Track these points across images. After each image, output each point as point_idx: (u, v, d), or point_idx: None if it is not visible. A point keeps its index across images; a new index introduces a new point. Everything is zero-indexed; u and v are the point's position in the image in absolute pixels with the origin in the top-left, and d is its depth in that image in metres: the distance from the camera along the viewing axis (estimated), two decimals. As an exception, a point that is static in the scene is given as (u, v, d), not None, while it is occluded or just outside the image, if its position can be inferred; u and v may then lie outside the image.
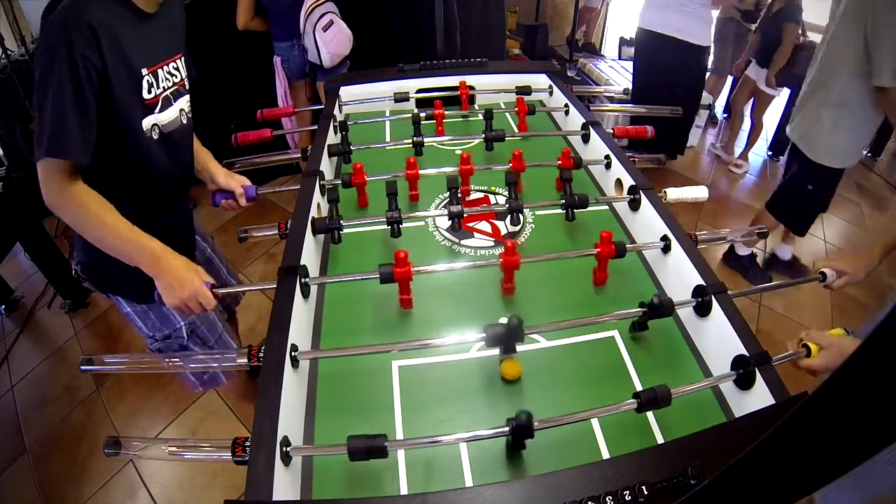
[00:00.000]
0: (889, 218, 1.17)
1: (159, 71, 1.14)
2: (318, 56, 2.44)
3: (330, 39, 2.39)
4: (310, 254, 1.11)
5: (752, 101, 3.87)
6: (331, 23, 2.37)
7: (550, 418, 0.76)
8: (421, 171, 1.36)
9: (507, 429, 0.74)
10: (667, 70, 3.15)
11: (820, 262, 1.15)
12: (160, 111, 1.15)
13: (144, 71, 1.09)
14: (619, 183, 1.38)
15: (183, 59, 1.24)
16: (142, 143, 1.12)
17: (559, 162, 1.36)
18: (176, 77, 1.20)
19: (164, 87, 1.15)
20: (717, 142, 4.17)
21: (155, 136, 1.14)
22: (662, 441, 0.83)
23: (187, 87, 1.25)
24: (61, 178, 0.99)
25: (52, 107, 0.95)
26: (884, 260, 1.16)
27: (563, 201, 1.24)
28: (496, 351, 0.98)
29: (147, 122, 1.11)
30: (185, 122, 1.25)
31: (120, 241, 1.05)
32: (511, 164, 1.34)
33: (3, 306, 2.62)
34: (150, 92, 1.11)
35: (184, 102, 1.24)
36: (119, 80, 1.03)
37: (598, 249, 1.07)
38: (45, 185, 1.00)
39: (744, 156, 3.90)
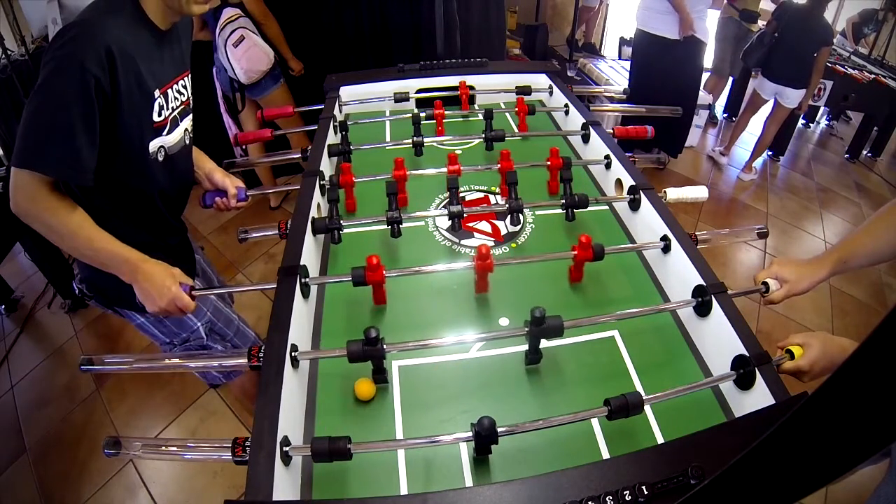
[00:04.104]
0: (855, 232, 1.03)
1: (169, 91, 1.12)
2: (233, 72, 2.45)
3: (241, 55, 2.37)
4: (310, 254, 1.11)
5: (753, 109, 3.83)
6: (241, 38, 2.35)
7: (514, 425, 0.76)
8: (415, 172, 1.36)
9: (469, 434, 0.74)
10: (665, 69, 3.16)
11: (762, 272, 1.03)
12: (168, 133, 1.13)
13: (157, 93, 1.07)
14: (619, 183, 1.38)
15: (189, 76, 1.22)
16: (146, 165, 1.10)
17: (549, 162, 1.36)
18: (183, 96, 1.19)
19: (172, 108, 1.14)
20: (716, 145, 4.11)
21: (160, 158, 1.13)
22: (662, 441, 0.83)
23: (192, 106, 1.24)
24: (38, 187, 0.95)
25: (53, 122, 0.92)
26: (833, 276, 1.01)
27: (563, 201, 1.24)
28: (495, 351, 0.98)
29: (154, 145, 1.10)
30: (187, 142, 1.24)
31: (94, 251, 1.03)
32: (500, 164, 1.34)
33: (3, 306, 2.61)
34: (160, 114, 1.09)
35: (188, 122, 1.23)
36: (130, 104, 1.01)
37: (576, 252, 1.07)
38: (17, 192, 0.96)
39: (749, 166, 3.85)
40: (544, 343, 0.98)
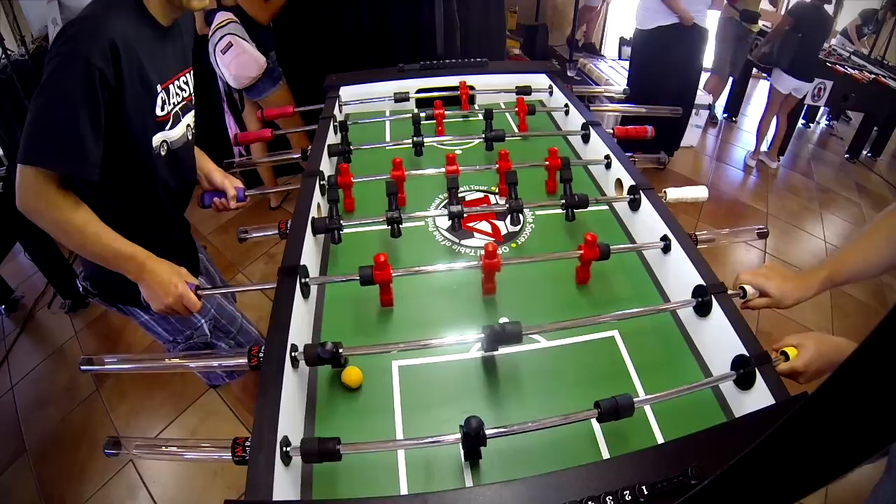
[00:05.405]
0: (845, 248, 1.00)
1: (171, 86, 1.13)
2: (224, 77, 2.47)
3: (230, 62, 2.38)
4: (310, 254, 1.11)
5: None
6: (229, 45, 2.36)
7: (503, 426, 0.75)
8: (414, 172, 1.36)
9: (459, 436, 0.74)
10: (666, 65, 3.17)
11: (747, 274, 1.00)
12: (170, 128, 1.14)
13: (159, 87, 1.08)
14: (619, 183, 1.38)
15: (191, 72, 1.23)
16: (149, 160, 1.10)
17: (547, 162, 1.36)
18: (185, 92, 1.19)
19: (174, 103, 1.14)
20: (755, 154, 4.03)
21: (163, 153, 1.13)
22: (662, 441, 0.83)
23: (193, 102, 1.25)
24: (44, 184, 0.95)
25: (58, 117, 0.92)
26: (821, 293, 0.97)
27: (563, 201, 1.24)
28: (495, 351, 0.98)
29: (157, 139, 1.10)
30: (190, 137, 1.24)
31: (101, 248, 1.02)
32: (498, 165, 1.34)
33: (3, 306, 2.61)
34: (162, 109, 1.10)
35: (190, 118, 1.23)
36: (134, 98, 1.01)
37: (582, 252, 1.07)
38: (23, 189, 0.95)
39: (775, 153, 3.99)
40: (546, 343, 0.99)
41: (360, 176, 1.33)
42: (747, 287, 0.98)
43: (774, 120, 3.90)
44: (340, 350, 0.84)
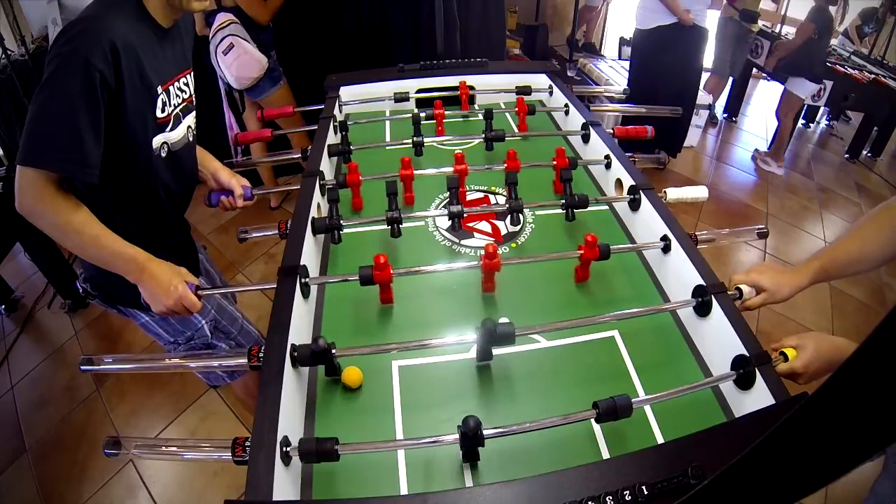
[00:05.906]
0: (840, 239, 1.00)
1: (171, 88, 1.13)
2: (225, 78, 2.48)
3: (231, 62, 2.39)
4: (310, 254, 1.11)
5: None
6: (231, 46, 2.37)
7: (502, 427, 0.75)
8: (420, 172, 1.36)
9: (456, 436, 0.74)
10: (666, 65, 3.16)
11: (739, 275, 1.00)
12: (171, 129, 1.13)
13: (159, 89, 1.08)
14: (619, 183, 1.38)
15: (192, 73, 1.22)
16: (149, 161, 1.10)
17: (555, 162, 1.36)
18: (185, 93, 1.19)
19: (175, 105, 1.14)
20: (761, 156, 4.05)
21: (163, 154, 1.13)
22: (662, 441, 0.83)
23: (194, 104, 1.25)
24: (44, 185, 0.95)
25: (58, 119, 0.92)
26: (815, 284, 0.98)
27: (563, 201, 1.24)
28: (495, 350, 0.98)
29: (157, 141, 1.10)
30: (191, 139, 1.24)
31: (100, 250, 1.02)
32: (506, 164, 1.34)
33: (3, 306, 2.61)
34: (163, 110, 1.10)
35: (191, 119, 1.23)
36: (134, 99, 1.01)
37: (582, 252, 1.07)
38: (22, 191, 0.95)
39: (781, 156, 4.00)
40: (546, 343, 0.99)
41: (361, 176, 1.33)
42: (743, 287, 0.98)
43: (776, 121, 3.91)
44: (334, 350, 0.84)
